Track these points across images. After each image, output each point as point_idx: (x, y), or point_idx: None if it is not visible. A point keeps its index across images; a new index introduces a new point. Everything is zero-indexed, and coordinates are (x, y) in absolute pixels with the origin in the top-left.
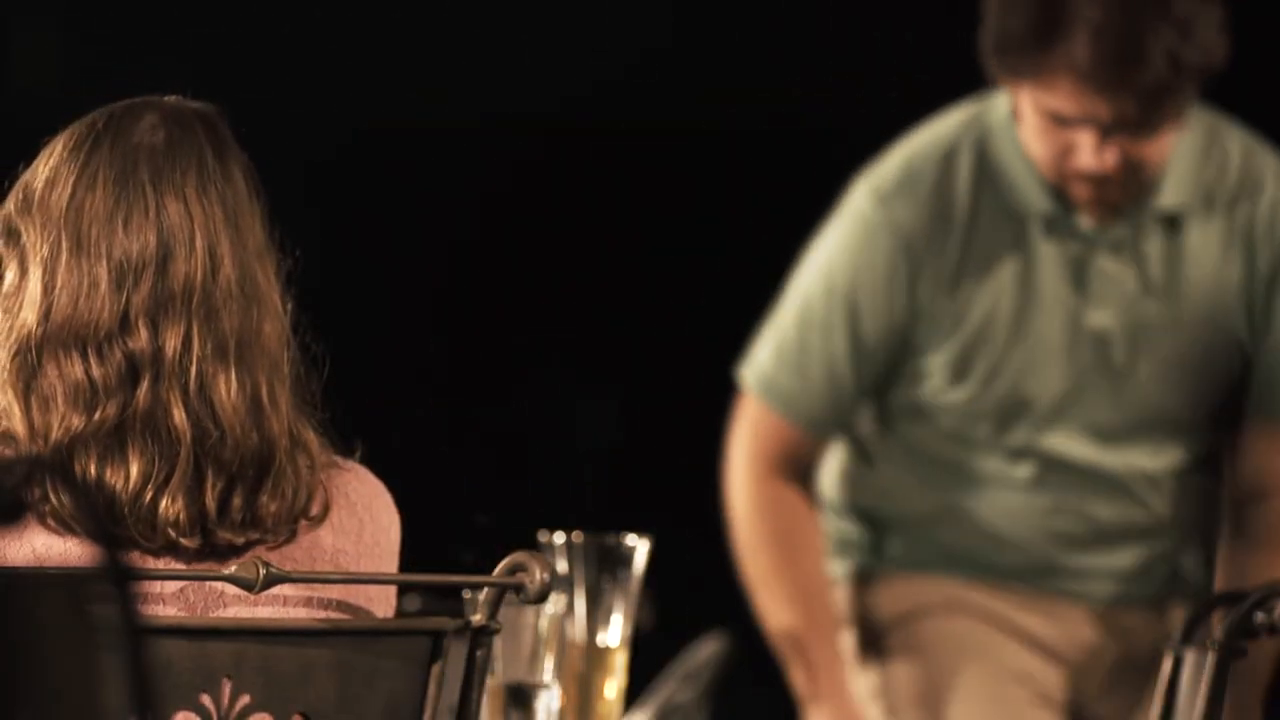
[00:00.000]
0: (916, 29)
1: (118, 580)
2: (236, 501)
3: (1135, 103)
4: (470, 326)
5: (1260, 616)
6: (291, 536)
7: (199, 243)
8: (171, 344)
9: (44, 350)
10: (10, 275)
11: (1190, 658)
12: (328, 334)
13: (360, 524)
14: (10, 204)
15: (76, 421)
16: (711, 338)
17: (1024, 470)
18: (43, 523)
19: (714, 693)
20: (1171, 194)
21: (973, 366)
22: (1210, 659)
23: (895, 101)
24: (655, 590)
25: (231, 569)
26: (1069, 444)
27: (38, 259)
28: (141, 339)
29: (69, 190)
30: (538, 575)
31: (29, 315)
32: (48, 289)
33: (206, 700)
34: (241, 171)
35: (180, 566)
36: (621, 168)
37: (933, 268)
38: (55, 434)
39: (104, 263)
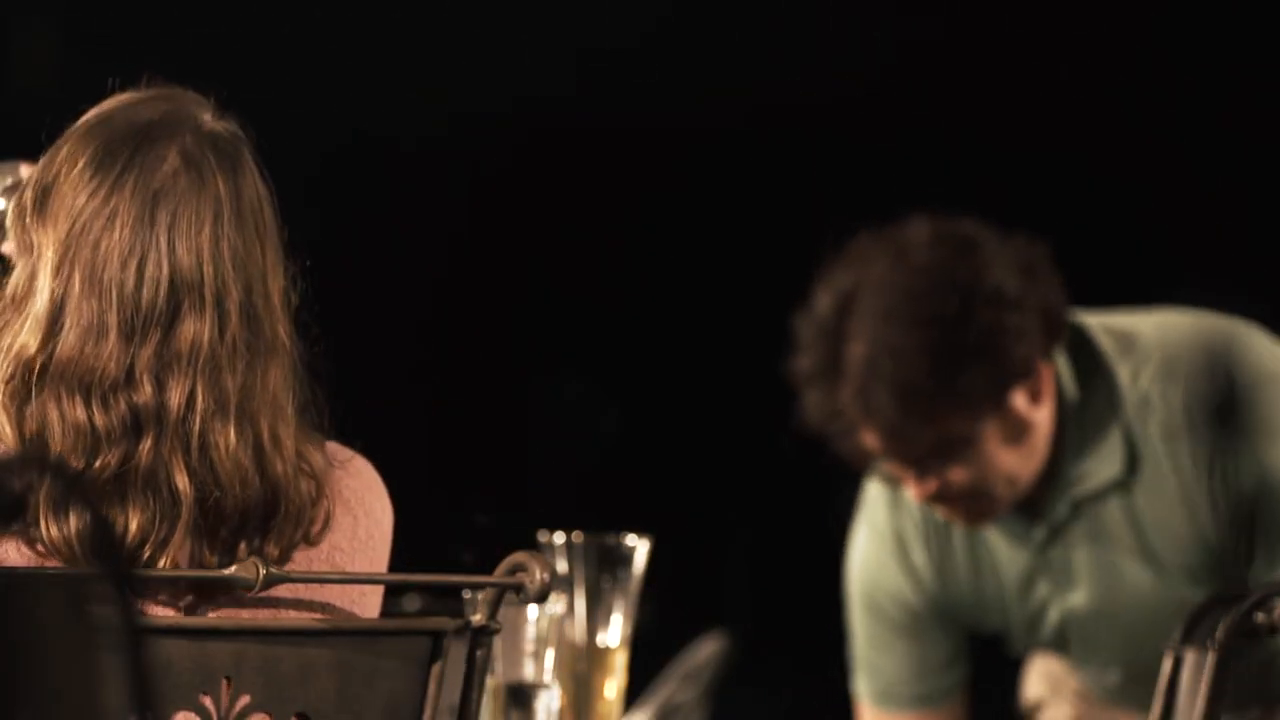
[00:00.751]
0: (915, 28)
1: (117, 581)
2: (239, 553)
3: (916, 441)
4: (470, 326)
5: (1260, 616)
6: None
7: (209, 296)
8: (175, 400)
9: (44, 383)
10: (18, 276)
11: (1190, 658)
12: (327, 334)
13: (354, 520)
14: (28, 198)
15: (75, 464)
16: (712, 338)
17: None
18: (31, 547)
19: (714, 693)
20: (1078, 484)
21: (1000, 635)
22: (1210, 659)
23: (893, 101)
24: (655, 590)
25: (232, 569)
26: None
27: (47, 279)
28: (146, 393)
29: (86, 222)
30: (538, 575)
31: (31, 339)
32: (55, 320)
33: (206, 700)
34: (259, 200)
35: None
36: (623, 166)
37: (921, 559)
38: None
39: (114, 310)
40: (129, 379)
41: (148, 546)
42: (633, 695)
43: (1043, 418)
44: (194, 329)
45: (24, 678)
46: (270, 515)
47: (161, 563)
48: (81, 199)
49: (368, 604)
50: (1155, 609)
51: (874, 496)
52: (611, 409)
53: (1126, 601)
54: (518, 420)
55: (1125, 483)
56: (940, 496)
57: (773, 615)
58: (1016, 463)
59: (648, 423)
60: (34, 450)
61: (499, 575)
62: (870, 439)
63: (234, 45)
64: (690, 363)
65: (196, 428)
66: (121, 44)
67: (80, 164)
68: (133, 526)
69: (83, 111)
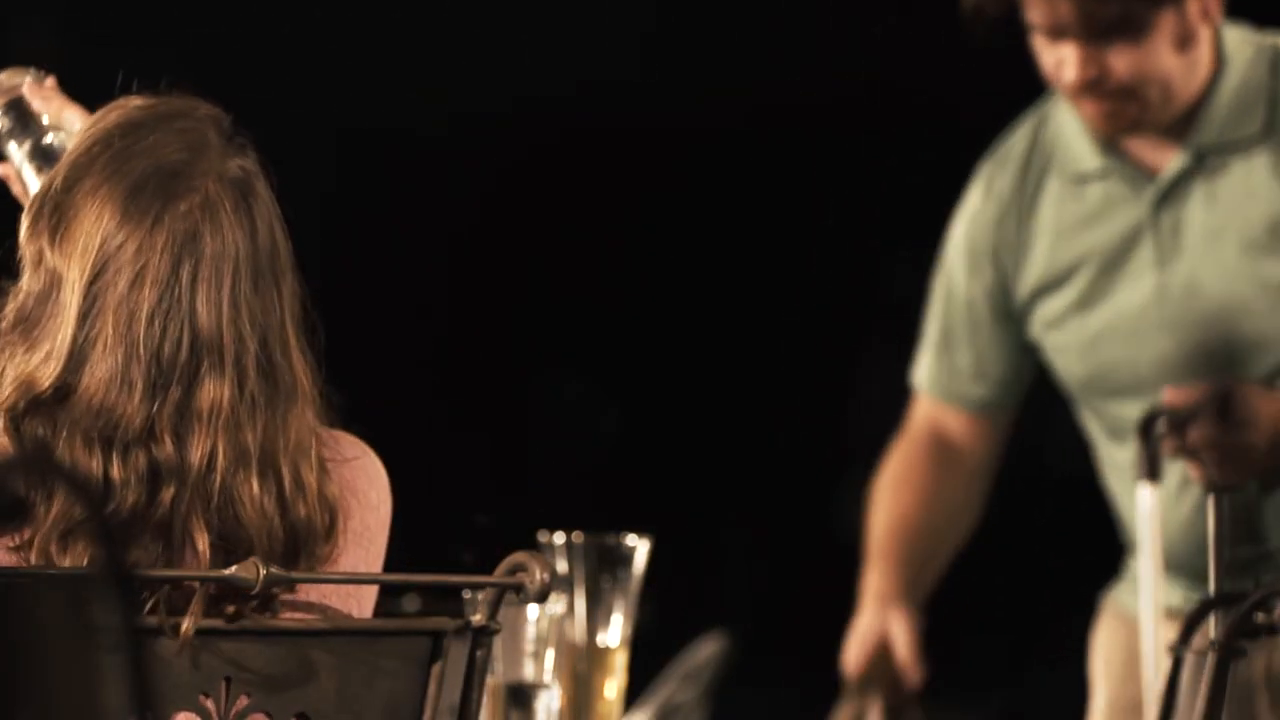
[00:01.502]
0: (916, 28)
1: (118, 581)
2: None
3: (1100, 6)
4: (470, 326)
5: (1260, 617)
6: None
7: (228, 358)
8: (196, 457)
9: (57, 425)
10: (28, 294)
11: (1190, 658)
12: (328, 333)
13: (347, 510)
14: (45, 212)
15: (77, 512)
16: (712, 337)
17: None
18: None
19: (714, 693)
20: (1212, 129)
21: (1070, 338)
22: (1210, 659)
23: (894, 101)
24: (655, 590)
25: (232, 569)
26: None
27: (71, 318)
28: (167, 448)
29: (116, 274)
30: (538, 575)
31: (42, 373)
32: (77, 363)
33: (206, 701)
34: (273, 233)
35: None
36: (622, 166)
37: (1017, 236)
38: (53, 513)
39: (140, 364)
40: (150, 433)
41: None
42: (633, 695)
43: (1204, 46)
44: (214, 390)
45: (24, 678)
46: (292, 558)
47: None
48: (111, 247)
49: (364, 597)
50: (1236, 297)
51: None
52: (611, 409)
53: (1216, 283)
54: (518, 420)
55: (1256, 143)
56: (1095, 86)
57: (773, 615)
58: (1175, 71)
59: (648, 422)
60: (37, 453)
61: (499, 575)
62: (1044, 5)
63: (234, 44)
64: (690, 362)
65: (218, 484)
66: (121, 44)
67: (106, 207)
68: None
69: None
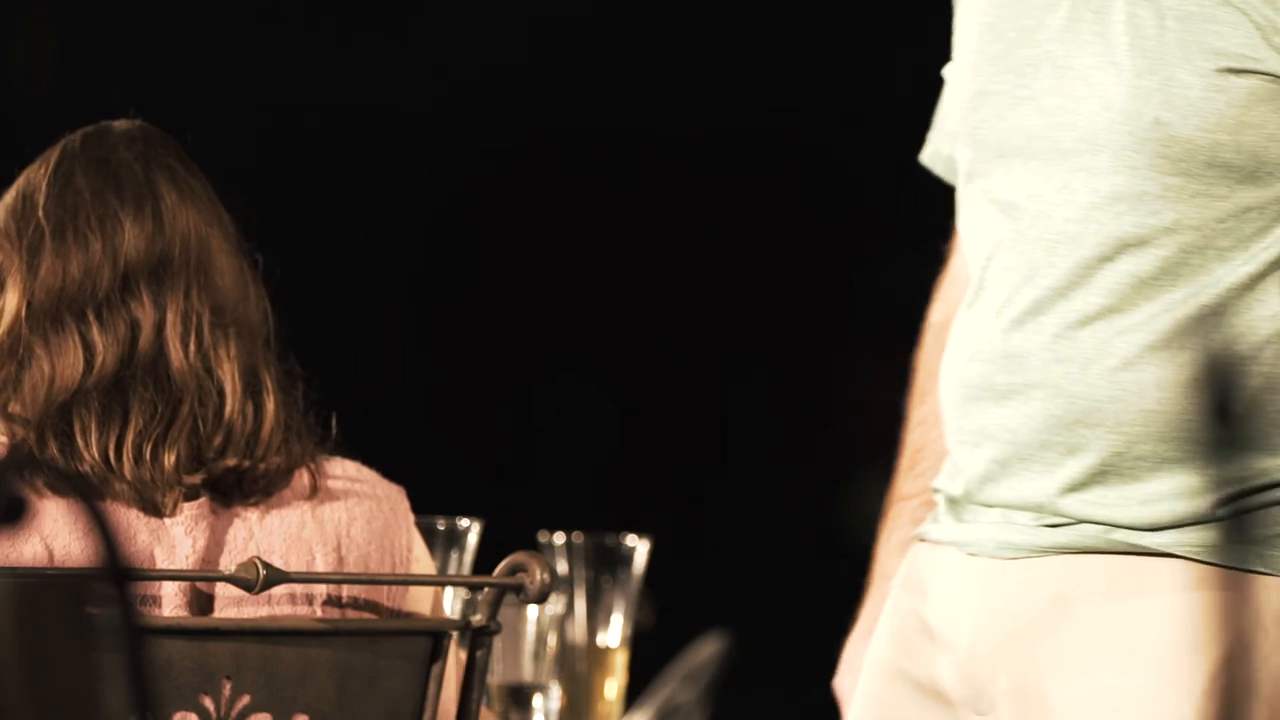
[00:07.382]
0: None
1: (118, 580)
2: (226, 461)
3: None
4: (470, 327)
5: None
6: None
7: (192, 216)
8: (174, 304)
9: (31, 335)
10: None
11: None
12: (329, 338)
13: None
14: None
15: (70, 383)
16: (712, 338)
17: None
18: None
19: (714, 693)
20: None
21: None
22: None
23: (883, 113)
24: (655, 590)
25: (232, 569)
26: None
27: (16, 269)
28: (144, 302)
29: (44, 193)
30: (538, 575)
31: (7, 313)
32: (26, 286)
33: (206, 701)
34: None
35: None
36: (623, 167)
37: None
38: (51, 398)
39: (98, 234)
40: (125, 285)
41: (147, 443)
42: (633, 695)
43: None
44: (184, 231)
45: (24, 678)
46: (257, 436)
47: (168, 457)
48: (38, 189)
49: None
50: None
51: None
52: (611, 409)
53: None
54: (519, 422)
55: None
56: None
57: (773, 615)
58: None
59: (648, 423)
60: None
61: (499, 575)
62: None
63: (233, 45)
64: (691, 363)
65: (194, 329)
66: (120, 44)
67: (18, 185)
68: (137, 424)
69: (82, 112)
